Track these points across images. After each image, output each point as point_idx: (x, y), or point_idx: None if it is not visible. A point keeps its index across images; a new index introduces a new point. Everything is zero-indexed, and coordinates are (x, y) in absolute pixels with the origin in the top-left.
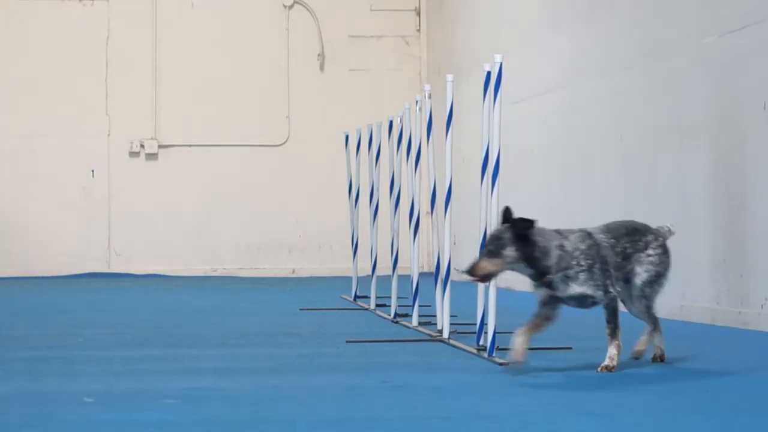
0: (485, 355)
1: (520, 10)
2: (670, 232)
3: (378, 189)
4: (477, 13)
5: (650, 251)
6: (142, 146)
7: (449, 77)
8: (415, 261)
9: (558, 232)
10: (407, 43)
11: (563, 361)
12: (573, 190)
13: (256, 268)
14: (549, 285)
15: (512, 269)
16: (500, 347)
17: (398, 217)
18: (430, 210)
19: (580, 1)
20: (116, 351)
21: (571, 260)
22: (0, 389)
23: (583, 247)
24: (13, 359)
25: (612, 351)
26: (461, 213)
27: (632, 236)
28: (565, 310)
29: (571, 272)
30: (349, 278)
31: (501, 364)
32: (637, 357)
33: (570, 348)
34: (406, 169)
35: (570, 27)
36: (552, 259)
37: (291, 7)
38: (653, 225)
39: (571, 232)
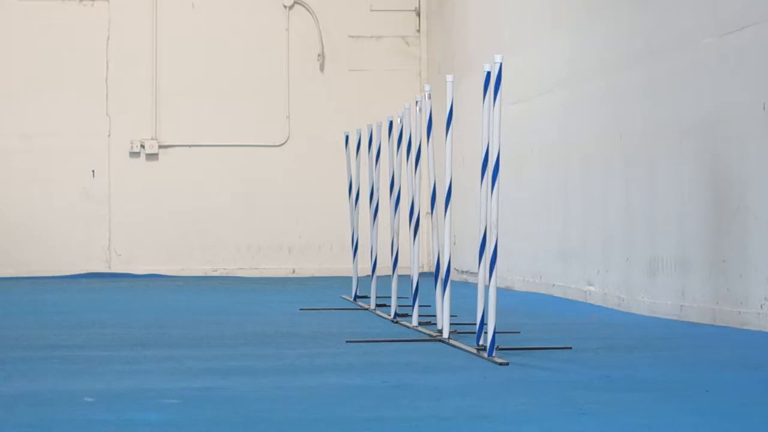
0: (485, 355)
1: (520, 10)
2: None
3: (378, 189)
4: (477, 13)
5: None
6: (142, 146)
7: (449, 77)
8: (415, 261)
9: None
10: (407, 43)
11: (563, 361)
12: (573, 190)
13: (256, 268)
14: None
15: None
16: (500, 347)
17: (398, 217)
18: (430, 210)
19: (580, 1)
20: (116, 351)
21: None
22: (0, 389)
23: None
24: (13, 359)
25: None
26: (461, 213)
27: None
28: (564, 311)
29: None
30: (349, 278)
31: (501, 364)
32: None
33: (570, 348)
34: (406, 169)
35: (570, 27)
36: None
37: (291, 7)
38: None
39: None
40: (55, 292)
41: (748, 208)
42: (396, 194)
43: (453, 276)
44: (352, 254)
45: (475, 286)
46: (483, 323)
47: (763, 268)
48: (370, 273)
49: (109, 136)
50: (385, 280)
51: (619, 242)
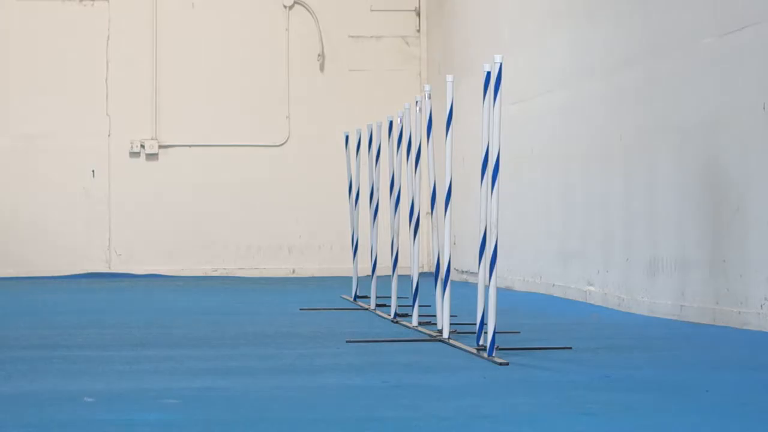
0: (485, 355)
1: (520, 10)
2: None
3: (378, 189)
4: (477, 13)
5: None
6: (142, 146)
7: (449, 77)
8: (415, 261)
9: None
10: (407, 43)
11: (563, 361)
12: (573, 190)
13: (256, 268)
14: None
15: None
16: (500, 347)
17: (398, 217)
18: (430, 210)
19: (580, 1)
20: (116, 351)
21: None
22: (0, 389)
23: None
24: (13, 359)
25: None
26: (461, 213)
27: None
28: (564, 311)
29: None
30: (349, 278)
31: (501, 364)
32: None
33: (570, 348)
34: (406, 169)
35: (570, 27)
36: None
37: (291, 7)
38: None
39: None
40: (55, 292)
41: (748, 208)
42: (396, 194)
43: (453, 276)
44: (352, 254)
45: (475, 286)
46: (483, 323)
47: (763, 268)
48: (370, 273)
49: (109, 136)
50: (385, 280)
51: (619, 242)
